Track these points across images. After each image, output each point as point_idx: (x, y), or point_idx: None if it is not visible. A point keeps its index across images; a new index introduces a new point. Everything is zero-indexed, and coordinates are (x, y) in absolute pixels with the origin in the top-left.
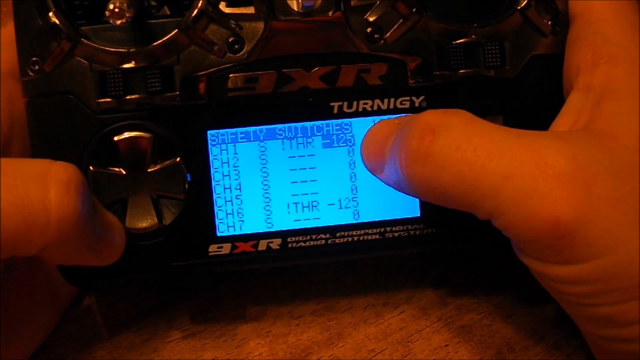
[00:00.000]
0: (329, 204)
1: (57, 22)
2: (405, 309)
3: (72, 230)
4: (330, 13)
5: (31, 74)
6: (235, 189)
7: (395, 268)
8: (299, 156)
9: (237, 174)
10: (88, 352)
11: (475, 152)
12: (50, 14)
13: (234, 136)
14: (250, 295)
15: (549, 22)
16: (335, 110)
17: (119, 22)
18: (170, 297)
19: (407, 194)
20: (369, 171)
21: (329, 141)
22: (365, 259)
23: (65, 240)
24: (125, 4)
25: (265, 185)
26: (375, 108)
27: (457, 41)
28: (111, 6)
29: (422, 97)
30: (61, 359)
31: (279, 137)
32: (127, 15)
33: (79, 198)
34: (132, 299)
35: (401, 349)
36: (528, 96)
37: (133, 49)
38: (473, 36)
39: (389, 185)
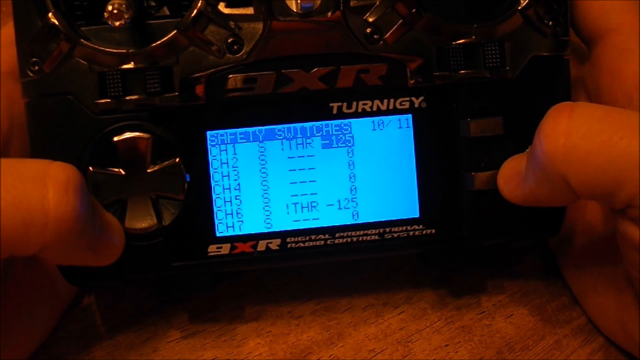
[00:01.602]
0: (328, 205)
1: (57, 23)
2: (405, 309)
3: (71, 231)
4: (330, 14)
5: (31, 74)
6: (235, 189)
7: (395, 268)
8: (298, 157)
9: (236, 175)
10: (88, 352)
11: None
12: (50, 14)
13: (233, 137)
14: (250, 295)
15: (550, 23)
16: (335, 111)
17: (117, 23)
18: (170, 298)
19: (545, 187)
20: (508, 196)
21: (328, 142)
22: (365, 259)
23: (63, 240)
24: (123, 6)
25: (264, 185)
26: (374, 109)
27: (457, 42)
28: (110, 7)
29: (421, 98)
30: (61, 359)
31: (278, 138)
32: (126, 16)
33: (78, 198)
34: (132, 299)
35: (401, 349)
36: (528, 97)
37: (132, 50)
38: (473, 37)
39: (527, 195)
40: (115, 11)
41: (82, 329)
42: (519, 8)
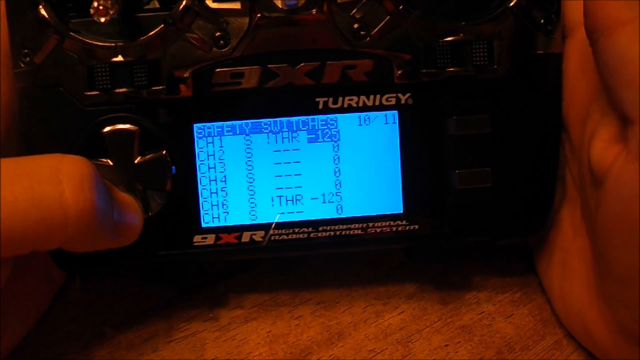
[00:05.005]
0: (312, 198)
1: (46, 15)
2: (405, 309)
3: (91, 224)
4: (315, 10)
5: (22, 66)
6: (221, 181)
7: (396, 268)
8: (284, 150)
9: (222, 167)
10: (88, 352)
11: None
12: (40, 7)
13: (220, 129)
14: (250, 295)
15: (541, 21)
16: (321, 106)
17: (102, 19)
18: (158, 284)
19: None
20: None
21: (314, 136)
22: (366, 259)
23: (84, 233)
24: (109, 2)
25: (250, 178)
26: (360, 104)
27: (445, 39)
28: (95, 4)
29: (408, 95)
30: (61, 359)
31: (265, 131)
32: (111, 12)
33: (93, 192)
34: (132, 299)
35: (401, 349)
36: (517, 95)
37: (121, 43)
38: (461, 34)
39: None
40: (100, 7)
41: (82, 329)
42: (510, 6)
